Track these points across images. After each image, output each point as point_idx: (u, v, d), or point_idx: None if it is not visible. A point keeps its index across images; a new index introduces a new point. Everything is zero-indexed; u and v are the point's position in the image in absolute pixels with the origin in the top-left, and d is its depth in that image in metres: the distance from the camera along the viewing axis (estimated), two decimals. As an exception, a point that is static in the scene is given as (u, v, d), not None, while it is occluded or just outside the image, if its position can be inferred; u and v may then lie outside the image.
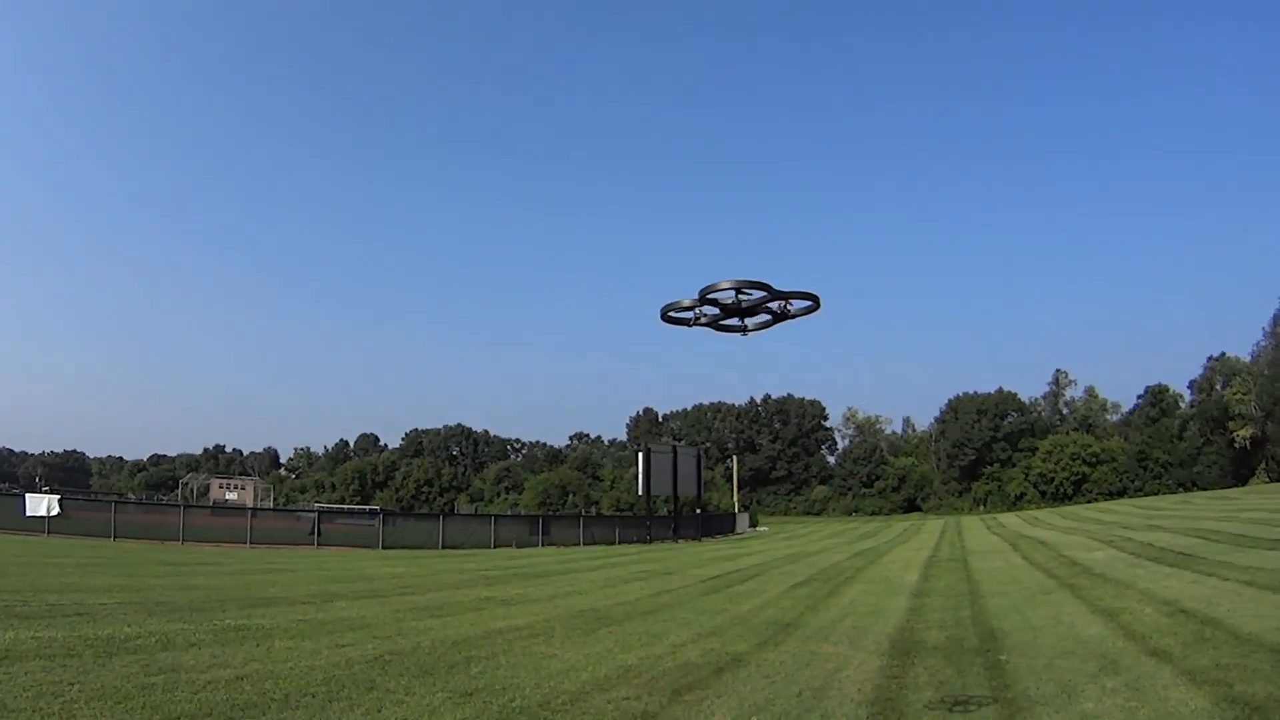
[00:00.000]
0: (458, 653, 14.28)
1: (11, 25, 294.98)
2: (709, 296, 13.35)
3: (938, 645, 16.13)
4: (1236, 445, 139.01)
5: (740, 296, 13.42)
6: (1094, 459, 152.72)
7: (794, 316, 13.80)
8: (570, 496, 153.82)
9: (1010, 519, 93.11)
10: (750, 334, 14.32)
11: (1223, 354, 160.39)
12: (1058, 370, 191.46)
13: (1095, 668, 13.09)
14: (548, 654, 14.57)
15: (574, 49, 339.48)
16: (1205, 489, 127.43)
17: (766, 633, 17.89)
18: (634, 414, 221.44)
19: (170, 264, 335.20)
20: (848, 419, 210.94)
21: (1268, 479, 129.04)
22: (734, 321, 14.16)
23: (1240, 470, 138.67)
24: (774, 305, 13.60)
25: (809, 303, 13.57)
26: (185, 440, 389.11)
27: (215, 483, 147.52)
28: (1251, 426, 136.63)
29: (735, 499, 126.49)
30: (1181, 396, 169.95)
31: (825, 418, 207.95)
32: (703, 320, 14.00)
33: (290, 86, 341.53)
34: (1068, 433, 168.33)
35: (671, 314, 14.06)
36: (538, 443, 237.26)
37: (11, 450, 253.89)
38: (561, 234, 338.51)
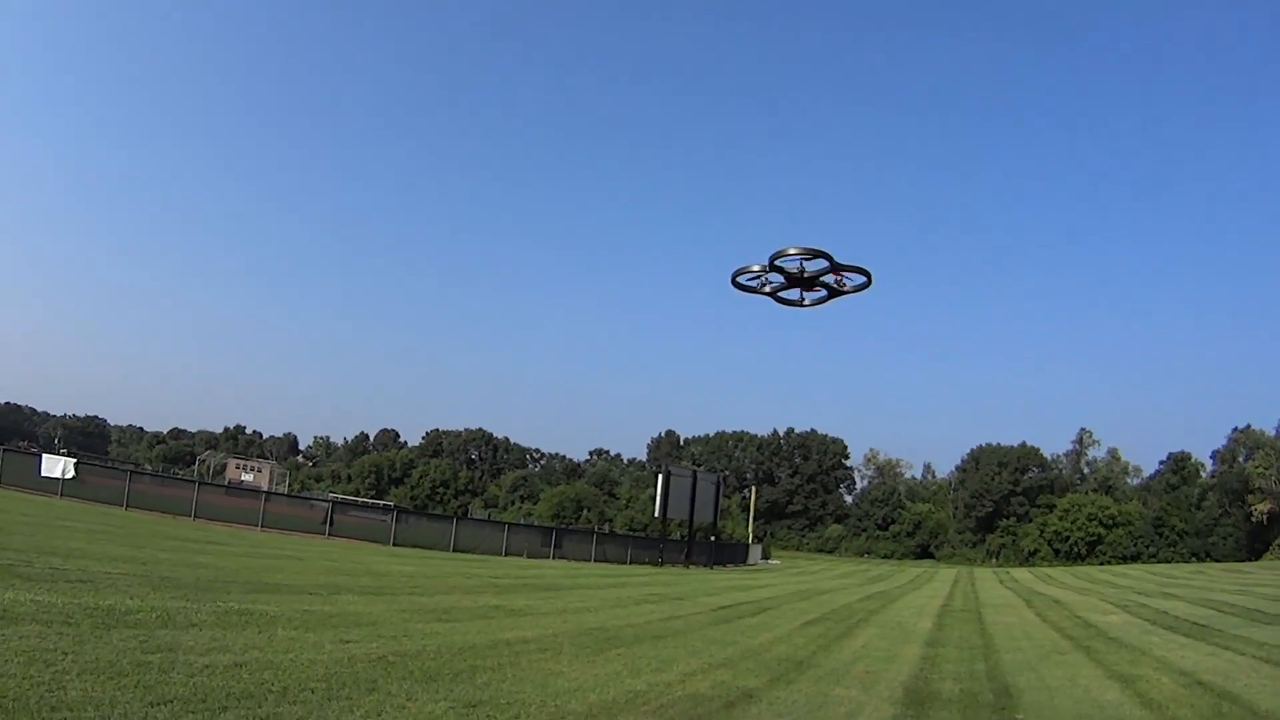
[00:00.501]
0: (463, 661, 13.89)
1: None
2: (776, 263, 14.25)
3: (952, 698, 15.67)
4: (1254, 519, 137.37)
5: (805, 263, 14.33)
6: (1110, 521, 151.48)
7: (848, 292, 14.87)
8: (585, 511, 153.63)
9: (1023, 574, 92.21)
10: (807, 307, 15.40)
11: (1248, 426, 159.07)
12: (1082, 429, 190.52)
13: (1114, 735, 12.66)
14: (555, 671, 14.17)
15: (620, 62, 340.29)
16: (1219, 560, 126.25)
17: (778, 669, 17.44)
18: (656, 435, 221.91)
19: (208, 247, 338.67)
20: (869, 460, 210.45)
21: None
22: (794, 294, 15.20)
23: (1255, 544, 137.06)
24: (830, 280, 14.63)
25: (863, 279, 14.51)
26: (206, 417, 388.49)
27: (232, 462, 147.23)
28: (1270, 501, 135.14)
29: (750, 530, 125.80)
30: (1203, 465, 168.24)
31: (846, 456, 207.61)
32: (767, 288, 15.13)
33: (331, 81, 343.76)
34: (1087, 492, 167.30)
35: (740, 279, 15.11)
36: (557, 455, 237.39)
37: (34, 409, 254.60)
38: (600, 252, 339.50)
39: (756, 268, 14.74)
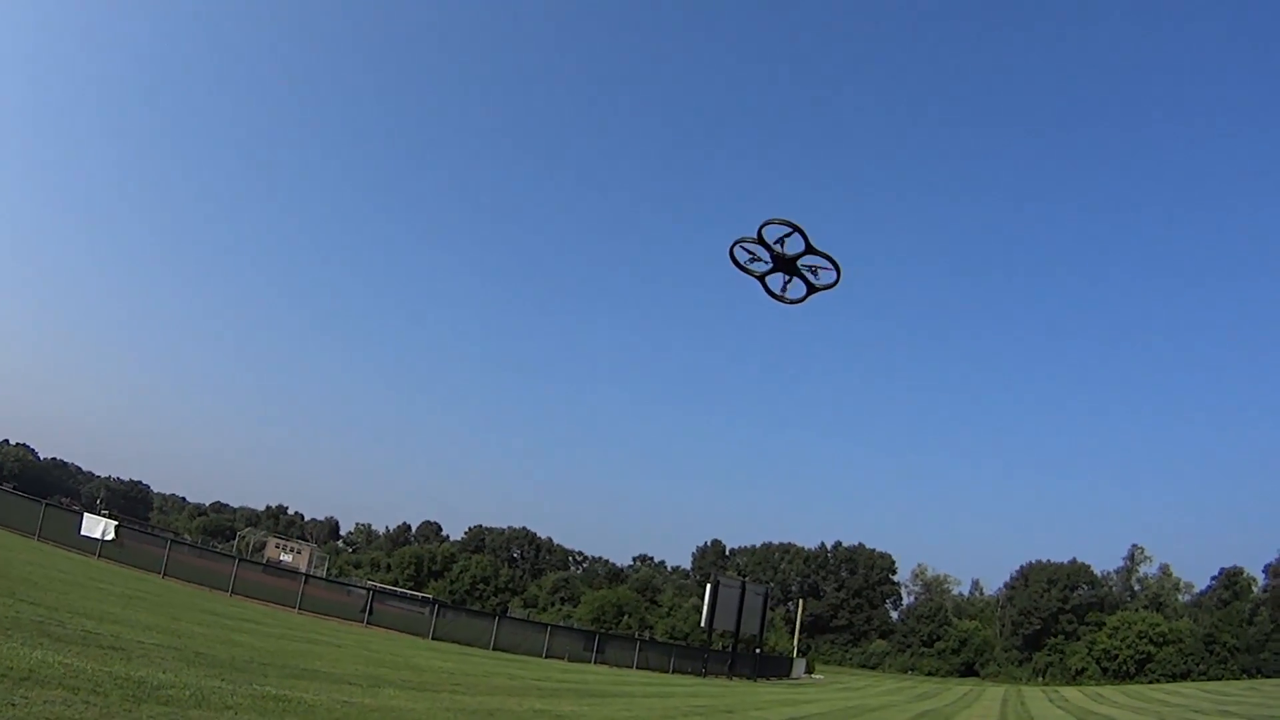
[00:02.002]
0: (513, 764, 13.06)
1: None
2: (762, 230, 16.18)
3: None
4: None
5: (785, 240, 16.18)
6: (1161, 639, 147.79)
7: (821, 289, 16.73)
8: (626, 617, 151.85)
9: (1072, 693, 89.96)
10: (789, 303, 17.02)
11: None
12: (1134, 546, 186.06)
13: None
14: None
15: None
16: (1270, 676, 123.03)
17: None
18: (701, 544, 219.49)
19: (269, 317, 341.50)
20: (916, 575, 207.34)
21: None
22: (777, 287, 16.85)
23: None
24: (805, 269, 16.51)
25: (834, 274, 16.43)
26: (249, 494, 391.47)
27: (272, 541, 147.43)
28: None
29: (795, 643, 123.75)
30: (1256, 580, 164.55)
31: (894, 571, 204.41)
32: (757, 271, 16.83)
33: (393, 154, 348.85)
34: (1138, 609, 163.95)
35: (735, 251, 16.76)
36: (599, 558, 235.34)
37: (79, 468, 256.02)
38: (652, 359, 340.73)
39: (751, 237, 16.42)
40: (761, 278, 16.76)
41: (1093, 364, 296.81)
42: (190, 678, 14.47)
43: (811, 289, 16.71)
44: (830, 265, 16.25)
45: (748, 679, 73.62)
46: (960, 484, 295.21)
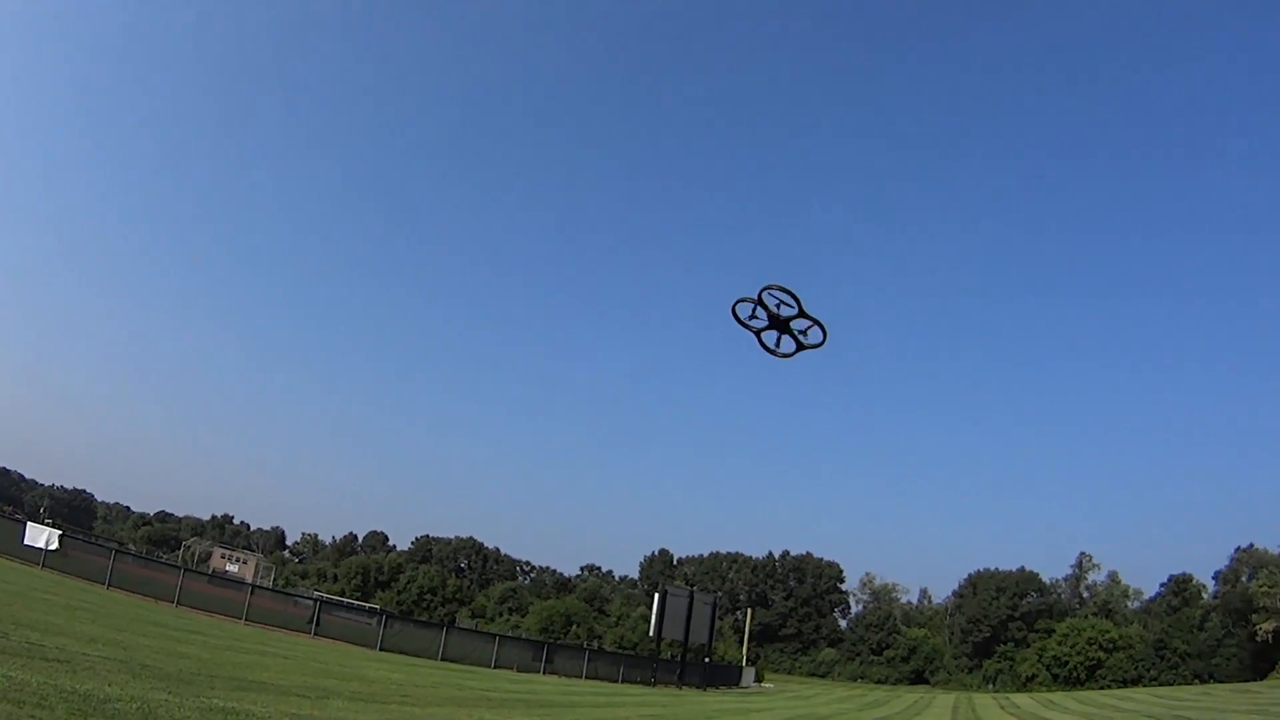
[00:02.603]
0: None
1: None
2: (763, 295, 18.72)
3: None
4: (1259, 639, 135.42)
5: (781, 300, 18.69)
6: (1111, 645, 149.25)
7: (809, 347, 19.28)
8: (574, 627, 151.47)
9: (1023, 700, 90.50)
10: (780, 356, 19.51)
11: (1251, 545, 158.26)
12: (1082, 553, 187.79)
13: None
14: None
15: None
16: (1222, 681, 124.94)
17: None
18: (649, 554, 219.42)
19: (210, 332, 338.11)
20: (864, 584, 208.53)
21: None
22: (771, 341, 19.43)
23: (1260, 664, 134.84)
24: (798, 328, 19.06)
25: (821, 336, 19.10)
26: (194, 503, 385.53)
27: (218, 551, 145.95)
28: (1275, 620, 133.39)
29: (744, 651, 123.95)
30: (1205, 587, 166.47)
31: (842, 580, 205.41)
32: (755, 326, 19.31)
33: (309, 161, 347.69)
34: (1087, 616, 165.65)
35: (737, 309, 19.26)
36: (547, 568, 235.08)
37: (22, 475, 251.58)
38: (598, 368, 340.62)
39: (752, 298, 18.83)
40: (758, 333, 19.27)
41: (1039, 374, 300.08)
42: (137, 690, 14.28)
43: (800, 346, 19.28)
44: (819, 327, 18.94)
45: (697, 688, 73.59)
46: (907, 493, 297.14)
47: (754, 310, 19.03)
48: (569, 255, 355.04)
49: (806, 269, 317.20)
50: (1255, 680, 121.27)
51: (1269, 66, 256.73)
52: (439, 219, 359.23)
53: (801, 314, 18.68)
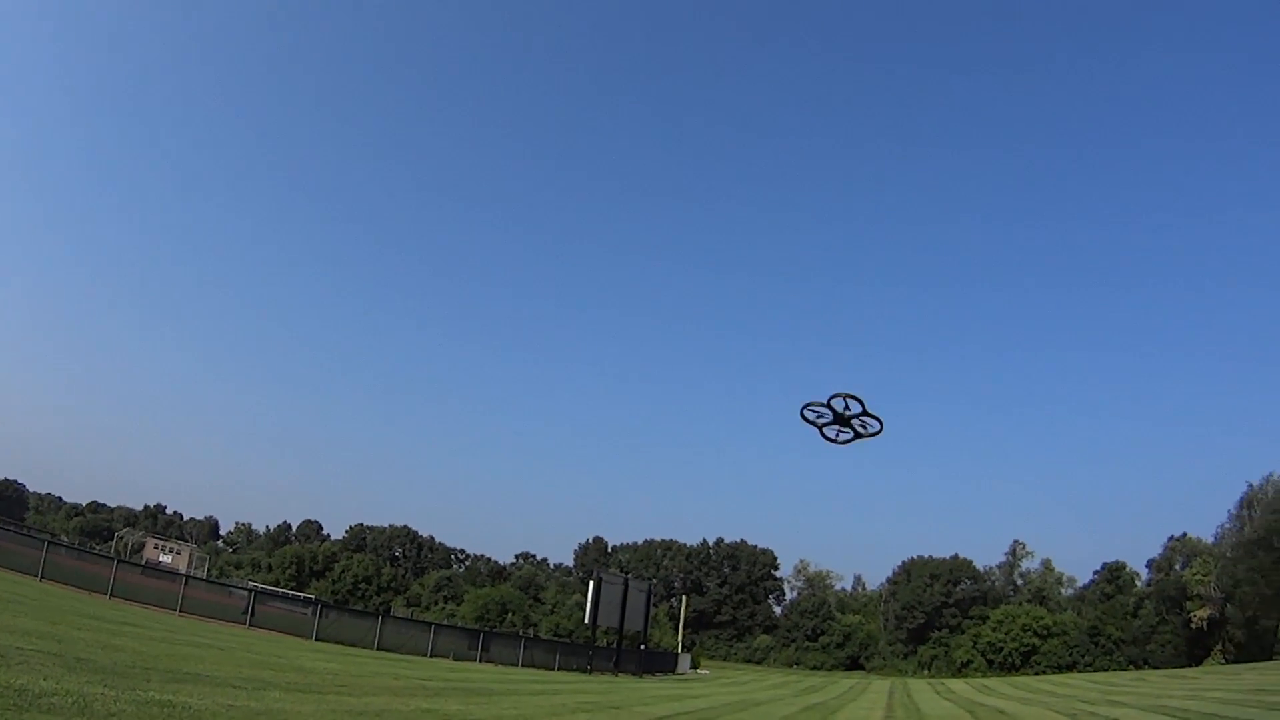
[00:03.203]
0: (403, 765, 12.90)
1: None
2: (832, 401, 21.50)
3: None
4: (1193, 626, 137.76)
5: (847, 402, 21.23)
6: (1045, 631, 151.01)
7: (866, 436, 21.69)
8: (510, 615, 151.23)
9: (958, 685, 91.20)
10: (839, 444, 22.16)
11: (1184, 534, 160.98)
12: (1015, 541, 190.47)
13: None
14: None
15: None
16: (1157, 667, 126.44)
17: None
18: (583, 541, 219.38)
19: (140, 315, 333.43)
20: (798, 571, 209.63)
21: (1223, 660, 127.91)
22: (831, 432, 22.03)
23: (1195, 651, 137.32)
24: (856, 423, 21.44)
25: (878, 426, 21.53)
26: (127, 493, 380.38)
27: (151, 542, 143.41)
28: (1210, 607, 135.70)
29: (680, 638, 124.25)
30: (1138, 575, 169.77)
31: (776, 567, 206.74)
32: (820, 422, 21.92)
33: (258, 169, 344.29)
34: (1021, 603, 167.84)
35: (806, 412, 22.09)
36: (482, 556, 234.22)
37: None
38: (532, 356, 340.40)
39: (821, 401, 21.78)
40: (821, 428, 22.17)
41: (971, 361, 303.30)
42: (72, 684, 14.08)
43: (858, 435, 22.01)
44: (877, 420, 21.69)
45: (633, 675, 73.90)
46: (840, 480, 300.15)
47: (820, 412, 21.98)
48: (494, 242, 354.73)
49: (744, 252, 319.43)
50: (1190, 666, 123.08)
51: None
52: (367, 207, 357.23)
53: (865, 412, 21.48)
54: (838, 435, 21.90)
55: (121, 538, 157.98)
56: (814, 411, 21.93)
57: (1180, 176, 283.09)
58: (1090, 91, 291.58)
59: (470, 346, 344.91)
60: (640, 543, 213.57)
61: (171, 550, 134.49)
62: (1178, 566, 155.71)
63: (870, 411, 21.31)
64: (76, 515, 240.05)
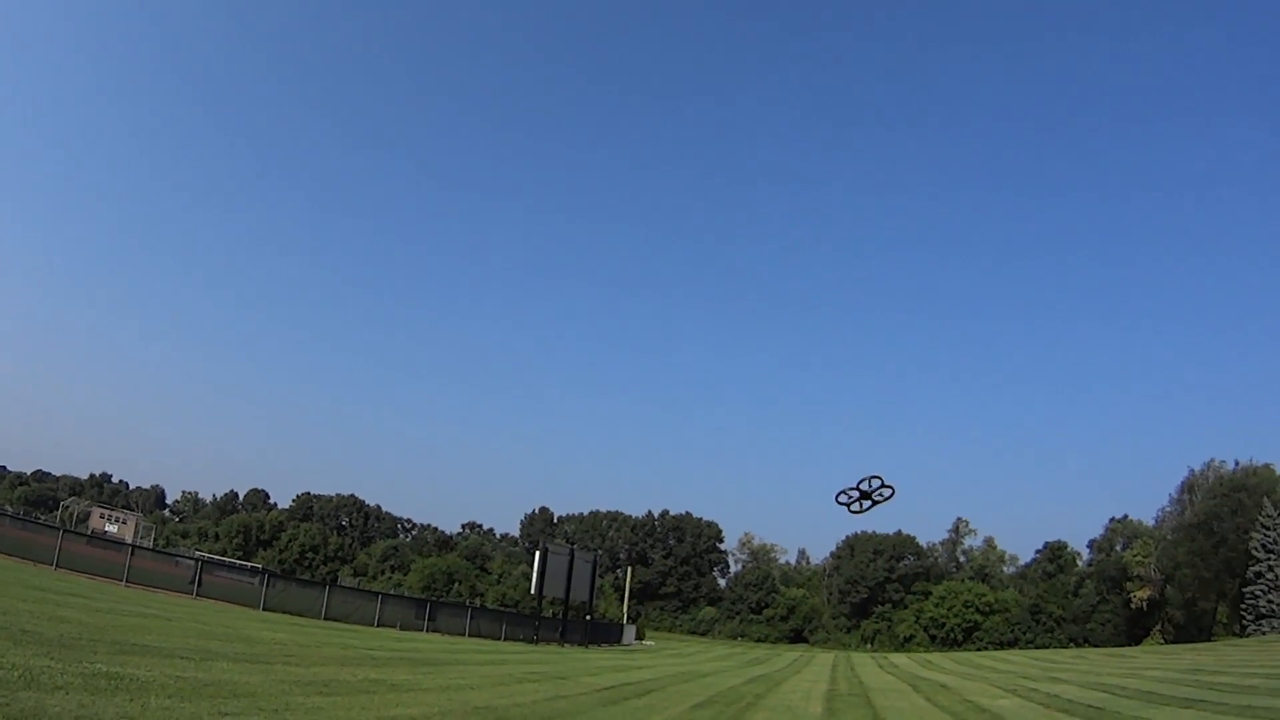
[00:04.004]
0: (351, 739, 12.91)
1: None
2: (860, 482, 25.98)
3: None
4: (1133, 606, 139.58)
5: (871, 481, 25.60)
6: (987, 608, 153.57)
7: (881, 502, 25.98)
8: (456, 585, 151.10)
9: (901, 659, 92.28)
10: (856, 513, 26.73)
11: (1125, 516, 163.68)
12: (958, 519, 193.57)
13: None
14: (450, 753, 13.25)
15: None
16: (1097, 646, 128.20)
17: (679, 753, 16.70)
18: (529, 512, 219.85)
19: (85, 283, 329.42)
20: (743, 544, 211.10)
21: (1163, 640, 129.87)
22: (856, 506, 26.32)
23: (1134, 630, 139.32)
24: (875, 495, 25.80)
25: (890, 491, 25.71)
26: (71, 462, 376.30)
27: (97, 511, 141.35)
28: (1150, 588, 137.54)
29: (625, 609, 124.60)
30: (1079, 555, 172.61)
31: (721, 540, 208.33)
32: (848, 501, 26.30)
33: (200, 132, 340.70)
34: (963, 580, 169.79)
35: (840, 497, 26.31)
36: (428, 526, 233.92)
37: None
38: (476, 327, 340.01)
39: (852, 485, 26.30)
40: (848, 505, 26.39)
41: (917, 337, 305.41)
42: (18, 658, 14.01)
43: (875, 504, 26.21)
44: (891, 488, 25.96)
45: (579, 646, 74.10)
46: (784, 454, 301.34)
47: (851, 494, 26.29)
48: (440, 205, 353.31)
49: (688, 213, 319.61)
50: (1129, 646, 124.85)
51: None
52: (311, 173, 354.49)
53: (883, 484, 25.79)
54: (861, 508, 26.27)
55: (67, 507, 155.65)
56: (847, 496, 26.19)
57: (1128, 155, 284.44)
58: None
59: (416, 315, 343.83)
60: (586, 514, 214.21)
61: (117, 520, 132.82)
62: (1118, 547, 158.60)
63: (886, 482, 25.78)
64: (21, 484, 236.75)
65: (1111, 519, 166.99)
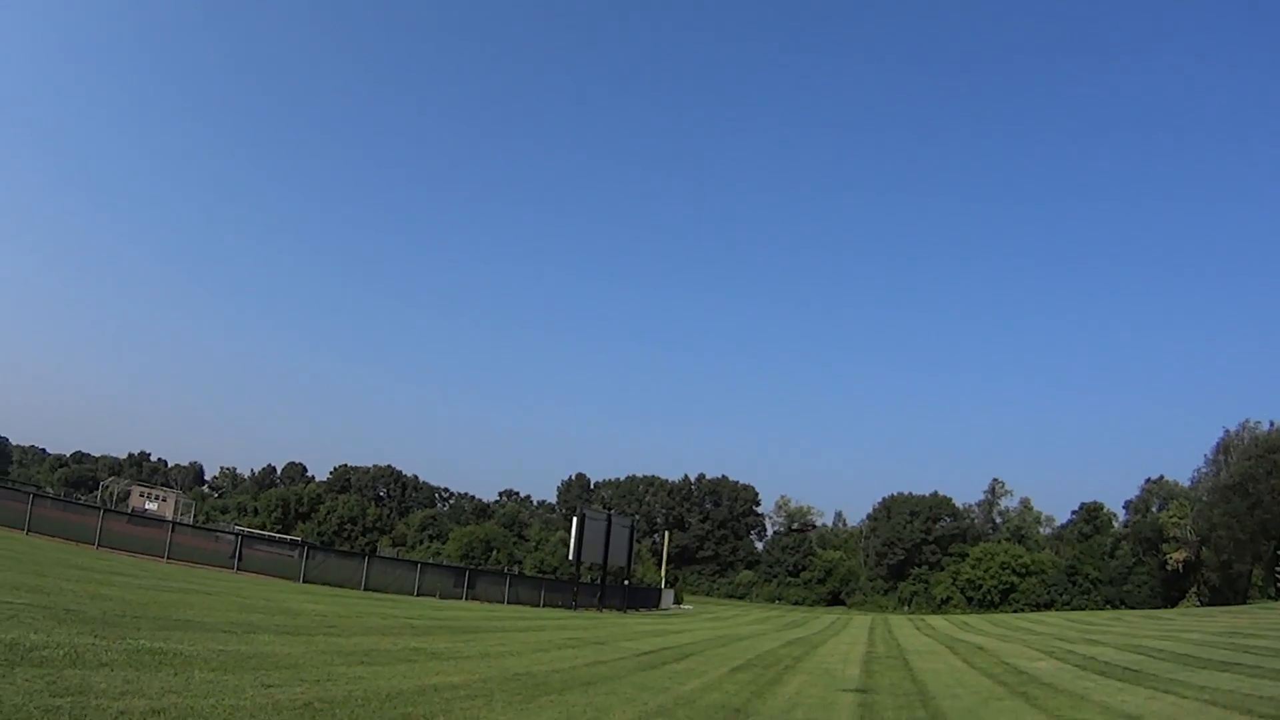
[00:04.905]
0: (393, 708, 13.04)
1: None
2: None
3: (901, 748, 15.08)
4: (1169, 567, 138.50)
5: None
6: (1024, 570, 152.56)
7: None
8: (495, 552, 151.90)
9: (938, 621, 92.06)
10: None
11: (1160, 477, 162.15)
12: (994, 479, 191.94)
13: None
14: (489, 720, 13.35)
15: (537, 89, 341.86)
16: (1133, 607, 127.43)
17: (717, 718, 16.75)
18: (566, 478, 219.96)
19: (120, 269, 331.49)
20: (779, 507, 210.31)
21: (1199, 602, 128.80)
22: None
23: (1170, 592, 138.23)
24: None
25: None
26: (110, 442, 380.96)
27: (137, 490, 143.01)
28: (1186, 550, 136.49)
29: (663, 574, 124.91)
30: (1115, 515, 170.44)
31: (757, 503, 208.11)
32: None
33: (268, 103, 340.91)
34: (999, 541, 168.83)
35: None
36: (466, 494, 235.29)
37: None
38: (511, 297, 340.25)
39: None
40: None
41: (951, 299, 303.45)
42: (63, 636, 14.19)
43: None
44: None
45: (618, 611, 74.25)
46: (821, 417, 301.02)
47: None
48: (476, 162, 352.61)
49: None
50: (1165, 607, 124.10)
51: None
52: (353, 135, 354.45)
53: None
54: None
55: (107, 487, 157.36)
56: None
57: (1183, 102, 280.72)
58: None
59: (451, 286, 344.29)
60: (623, 479, 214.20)
61: (157, 497, 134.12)
62: (1154, 508, 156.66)
63: None
64: (61, 466, 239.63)
65: (1147, 480, 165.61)
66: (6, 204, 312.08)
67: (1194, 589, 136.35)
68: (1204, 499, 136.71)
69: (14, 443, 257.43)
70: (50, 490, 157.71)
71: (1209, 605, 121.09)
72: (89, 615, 18.04)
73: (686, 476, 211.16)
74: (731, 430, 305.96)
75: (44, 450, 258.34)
